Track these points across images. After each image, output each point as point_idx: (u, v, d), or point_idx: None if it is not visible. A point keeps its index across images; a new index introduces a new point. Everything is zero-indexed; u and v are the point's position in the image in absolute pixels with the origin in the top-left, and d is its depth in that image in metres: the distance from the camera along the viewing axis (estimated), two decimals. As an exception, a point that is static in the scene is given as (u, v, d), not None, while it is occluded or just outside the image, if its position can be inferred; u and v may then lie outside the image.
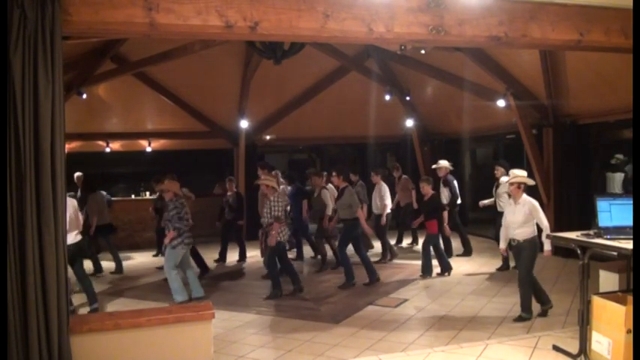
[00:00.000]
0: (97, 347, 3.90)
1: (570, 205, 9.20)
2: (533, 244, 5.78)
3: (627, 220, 4.35)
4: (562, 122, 9.30)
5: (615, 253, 4.31)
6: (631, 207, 4.29)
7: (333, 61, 11.10)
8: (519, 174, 5.96)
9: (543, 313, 5.91)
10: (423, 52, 8.51)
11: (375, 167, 10.24)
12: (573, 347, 4.64)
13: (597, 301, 4.40)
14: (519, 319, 5.79)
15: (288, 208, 7.59)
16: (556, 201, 9.42)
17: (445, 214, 8.47)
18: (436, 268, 8.21)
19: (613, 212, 4.51)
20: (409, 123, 12.60)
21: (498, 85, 9.44)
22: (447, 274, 8.15)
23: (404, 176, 10.89)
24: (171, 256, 6.69)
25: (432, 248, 8.17)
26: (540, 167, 9.49)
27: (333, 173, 8.13)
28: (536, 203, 5.86)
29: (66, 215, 3.74)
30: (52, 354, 3.47)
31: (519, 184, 5.86)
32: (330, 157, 15.86)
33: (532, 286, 5.86)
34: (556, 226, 9.19)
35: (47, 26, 3.45)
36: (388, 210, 9.43)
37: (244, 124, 11.79)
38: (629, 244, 4.01)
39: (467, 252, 9.67)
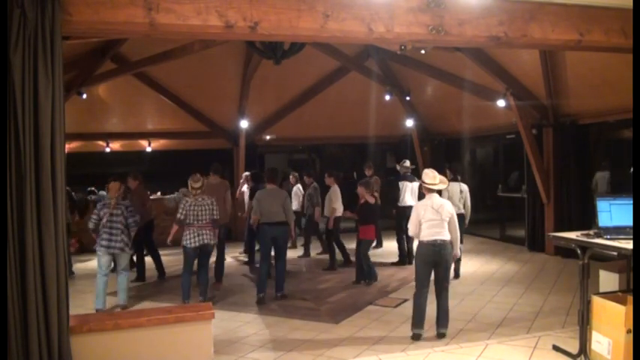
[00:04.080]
0: (97, 347, 3.90)
1: (570, 205, 9.21)
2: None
3: (627, 220, 4.35)
4: (562, 122, 9.31)
5: (615, 253, 4.32)
6: (631, 207, 4.29)
7: (333, 61, 11.08)
8: (426, 178, 5.41)
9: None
10: (423, 52, 8.46)
11: (330, 169, 9.73)
12: (573, 347, 4.64)
13: (597, 301, 4.40)
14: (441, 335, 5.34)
15: None
16: (556, 201, 9.43)
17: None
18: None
19: (613, 212, 4.50)
20: (409, 123, 12.60)
21: (498, 85, 9.44)
22: (365, 282, 7.75)
23: (375, 177, 9.84)
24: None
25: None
26: (540, 167, 9.50)
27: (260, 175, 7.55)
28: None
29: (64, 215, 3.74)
30: (52, 354, 3.47)
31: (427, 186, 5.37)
32: (330, 157, 15.86)
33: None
34: (556, 226, 9.22)
35: (47, 26, 3.45)
36: (337, 214, 8.95)
37: (244, 124, 11.79)
38: (629, 244, 4.01)
39: (401, 261, 9.09)
